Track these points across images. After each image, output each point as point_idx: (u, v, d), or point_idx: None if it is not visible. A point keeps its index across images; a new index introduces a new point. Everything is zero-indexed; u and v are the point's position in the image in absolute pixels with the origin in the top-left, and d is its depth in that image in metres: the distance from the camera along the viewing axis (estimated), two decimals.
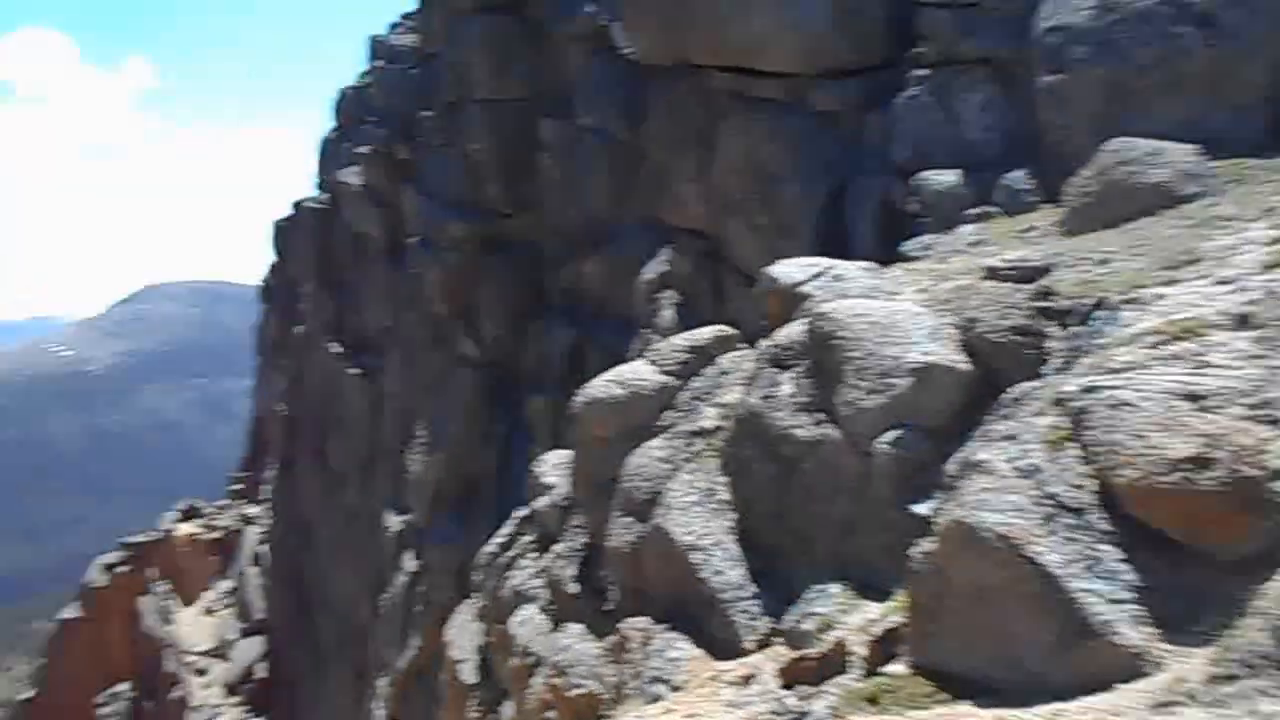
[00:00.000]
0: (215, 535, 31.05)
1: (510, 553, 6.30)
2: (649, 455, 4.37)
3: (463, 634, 7.46)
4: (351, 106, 20.11)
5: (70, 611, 30.62)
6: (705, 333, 5.04)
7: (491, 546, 6.57)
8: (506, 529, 6.55)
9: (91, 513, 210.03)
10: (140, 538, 30.71)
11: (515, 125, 13.37)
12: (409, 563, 14.13)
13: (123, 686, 27.17)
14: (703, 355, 4.87)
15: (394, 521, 15.08)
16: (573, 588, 5.08)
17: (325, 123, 22.39)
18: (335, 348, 18.98)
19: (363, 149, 17.45)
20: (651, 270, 10.23)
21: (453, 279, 13.92)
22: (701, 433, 4.30)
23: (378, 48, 18.79)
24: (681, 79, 9.83)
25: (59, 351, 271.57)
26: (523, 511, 6.47)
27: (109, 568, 30.26)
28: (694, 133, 9.81)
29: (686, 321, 8.67)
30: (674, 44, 9.60)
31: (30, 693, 31.86)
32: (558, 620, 5.14)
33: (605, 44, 11.55)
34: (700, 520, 3.84)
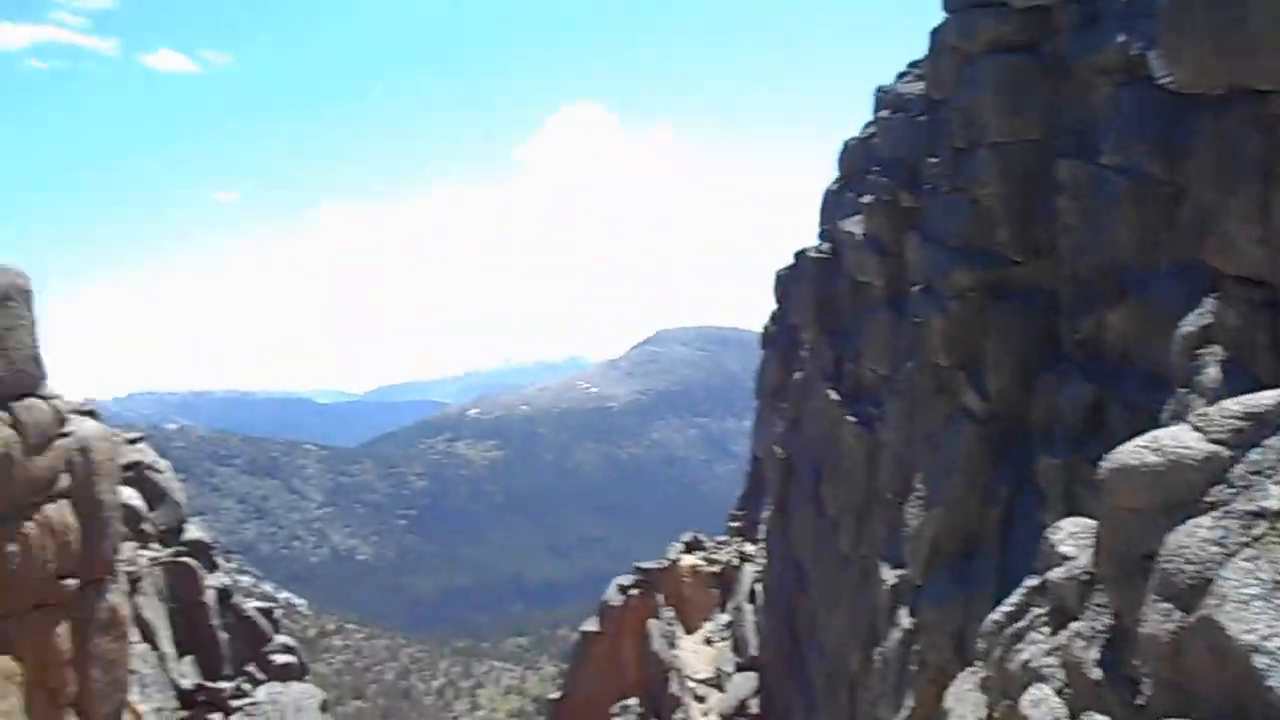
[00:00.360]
0: (715, 569, 33.47)
1: (1019, 624, 6.17)
2: (1195, 535, 4.10)
3: (963, 703, 7.44)
4: (855, 157, 20.97)
5: (590, 625, 34.90)
6: (1266, 398, 4.57)
7: (997, 615, 6.49)
8: (1015, 597, 6.44)
9: (610, 534, 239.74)
10: (650, 564, 34.29)
11: (1028, 167, 13.09)
12: (904, 618, 14.18)
13: (632, 701, 30.41)
14: (1263, 424, 4.44)
15: (889, 574, 15.27)
16: (1095, 673, 4.85)
17: (827, 175, 23.56)
18: (833, 394, 19.78)
19: (866, 198, 18.12)
20: (1191, 322, 9.29)
21: (957, 328, 13.87)
22: (1263, 514, 3.94)
23: (883, 98, 19.41)
24: (1234, 107, 8.90)
25: (587, 389, 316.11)
26: (1034, 581, 6.32)
27: (624, 589, 34.13)
28: (1249, 167, 8.78)
29: (1236, 382, 7.70)
30: (1226, 69, 8.78)
31: (557, 694, 36.83)
32: (1075, 706, 4.95)
33: (1137, 74, 10.85)
34: (1265, 618, 3.54)
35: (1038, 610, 6.05)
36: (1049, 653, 5.57)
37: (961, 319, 13.96)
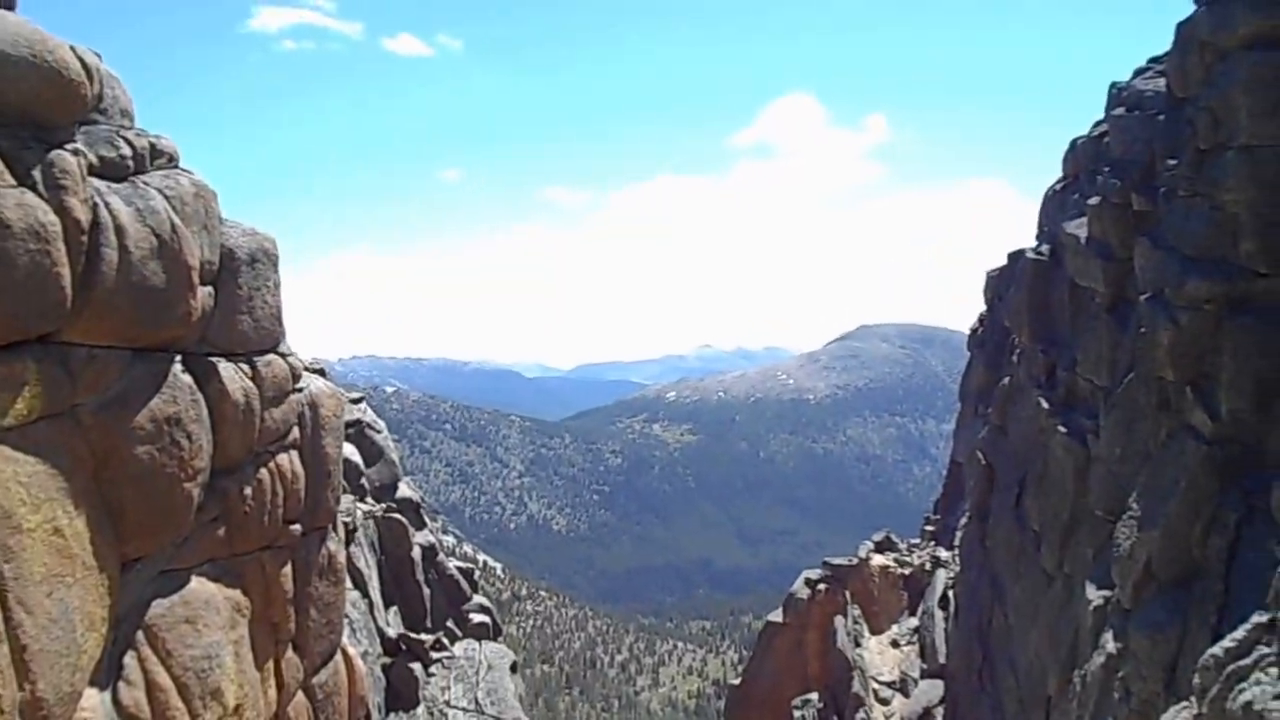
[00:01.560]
0: (906, 571, 32.58)
1: (1242, 662, 5.69)
2: None
3: None
4: (1084, 156, 19.69)
5: (775, 615, 34.82)
6: None
7: (1218, 650, 6.01)
8: (1240, 633, 5.94)
9: (799, 526, 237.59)
10: (840, 560, 33.74)
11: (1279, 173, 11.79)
12: (1109, 643, 13.32)
13: (813, 695, 30.12)
14: None
15: (1095, 595, 14.38)
16: None
17: (1049, 175, 22.23)
18: (1044, 403, 18.74)
19: (1094, 200, 16.98)
20: None
21: (1187, 341, 12.79)
22: None
23: (1119, 95, 18.08)
24: None
25: (784, 380, 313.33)
26: (1262, 618, 5.79)
27: (811, 583, 33.78)
28: None
29: None
30: None
31: (738, 680, 37.04)
32: None
33: None
34: None
35: (1265, 650, 5.56)
36: (1278, 697, 5.12)
37: (1193, 332, 12.85)
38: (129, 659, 10.03)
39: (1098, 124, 19.60)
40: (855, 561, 33.98)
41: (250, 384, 11.50)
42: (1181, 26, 14.85)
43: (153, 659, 10.25)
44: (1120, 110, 17.81)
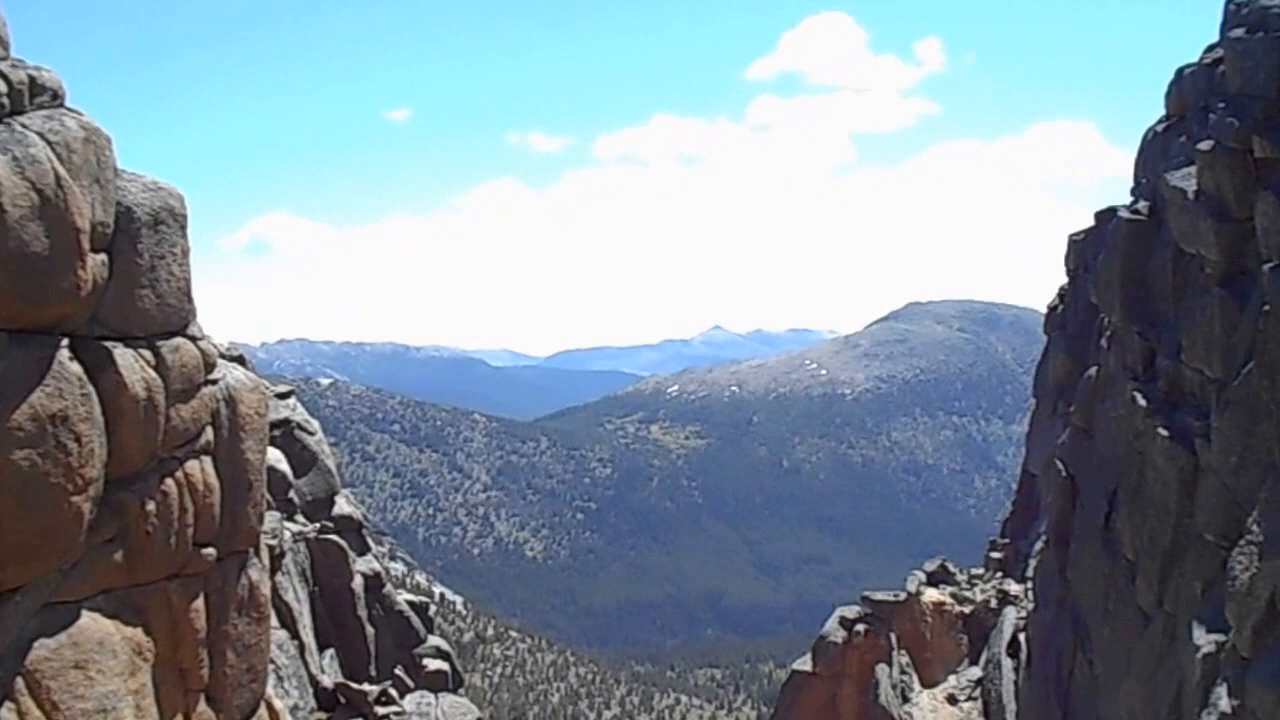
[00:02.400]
0: (966, 609, 32.66)
1: None
2: None
3: None
4: (1191, 90, 19.64)
5: (803, 663, 34.77)
6: None
7: None
8: None
9: (831, 553, 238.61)
10: (883, 595, 33.79)
11: None
12: (1222, 699, 13.37)
13: None
14: None
15: (1204, 639, 14.43)
16: None
17: (1147, 114, 22.19)
18: (1140, 399, 18.75)
19: (1205, 144, 16.92)
20: None
21: None
22: None
23: (1238, 12, 17.98)
24: None
25: (814, 370, 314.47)
26: None
27: (847, 623, 33.79)
28: None
29: None
30: None
31: None
32: None
33: None
34: None
35: None
36: None
37: None
38: (6, 712, 10.00)
39: (1210, 49, 19.52)
40: (902, 597, 33.96)
41: (153, 374, 11.44)
42: None
43: (35, 713, 10.23)
44: (1239, 31, 17.70)
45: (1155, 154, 21.09)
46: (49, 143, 10.13)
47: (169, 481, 11.83)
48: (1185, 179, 18.20)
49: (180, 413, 11.89)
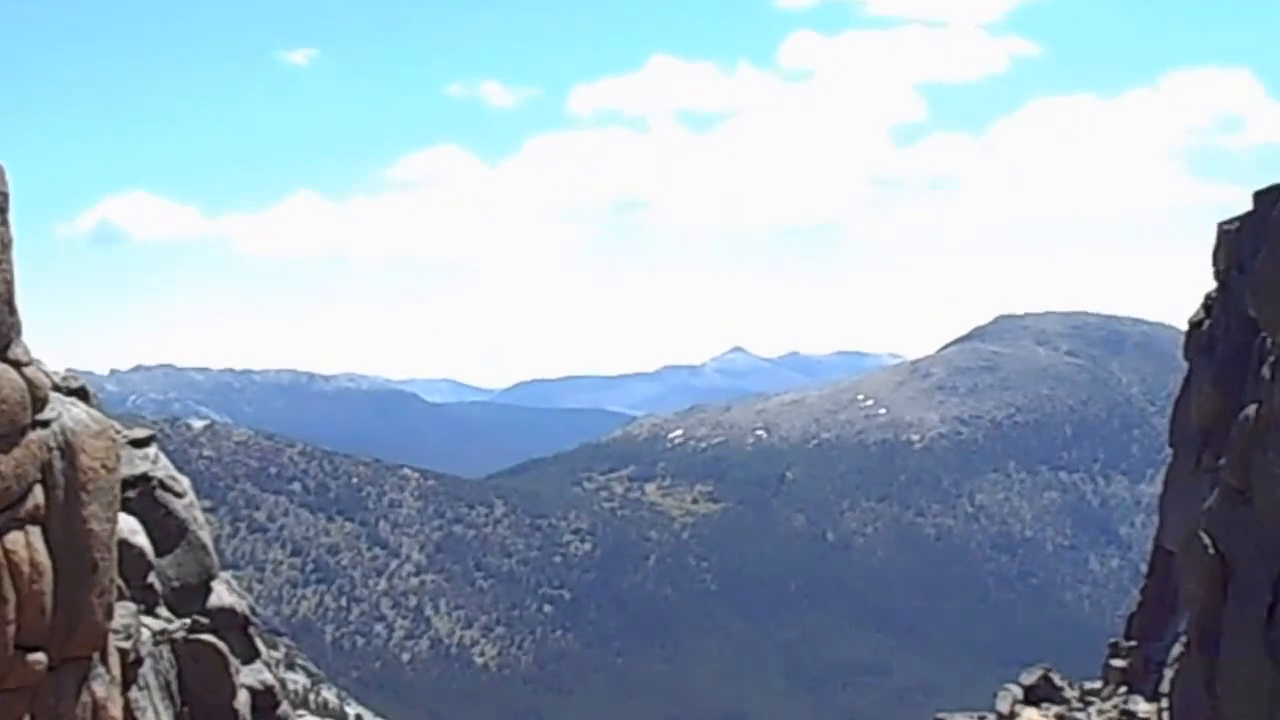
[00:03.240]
0: None
1: None
2: None
3: None
4: None
5: None
6: None
7: None
8: None
9: (893, 660, 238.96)
10: (966, 716, 33.75)
11: None
12: None
13: None
14: None
15: None
16: None
17: None
18: None
19: None
20: None
21: None
22: None
23: None
24: None
25: (869, 408, 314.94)
26: None
27: None
28: None
29: None
30: None
31: None
32: None
33: None
34: None
35: None
36: None
37: None
38: None
39: None
40: (991, 719, 33.98)
41: None
42: None
43: None
44: None
45: None
46: None
47: None
48: None
49: None
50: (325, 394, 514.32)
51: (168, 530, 24.32)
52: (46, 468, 12.66)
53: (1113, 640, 39.20)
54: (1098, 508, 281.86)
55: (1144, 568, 39.74)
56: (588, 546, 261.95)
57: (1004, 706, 34.76)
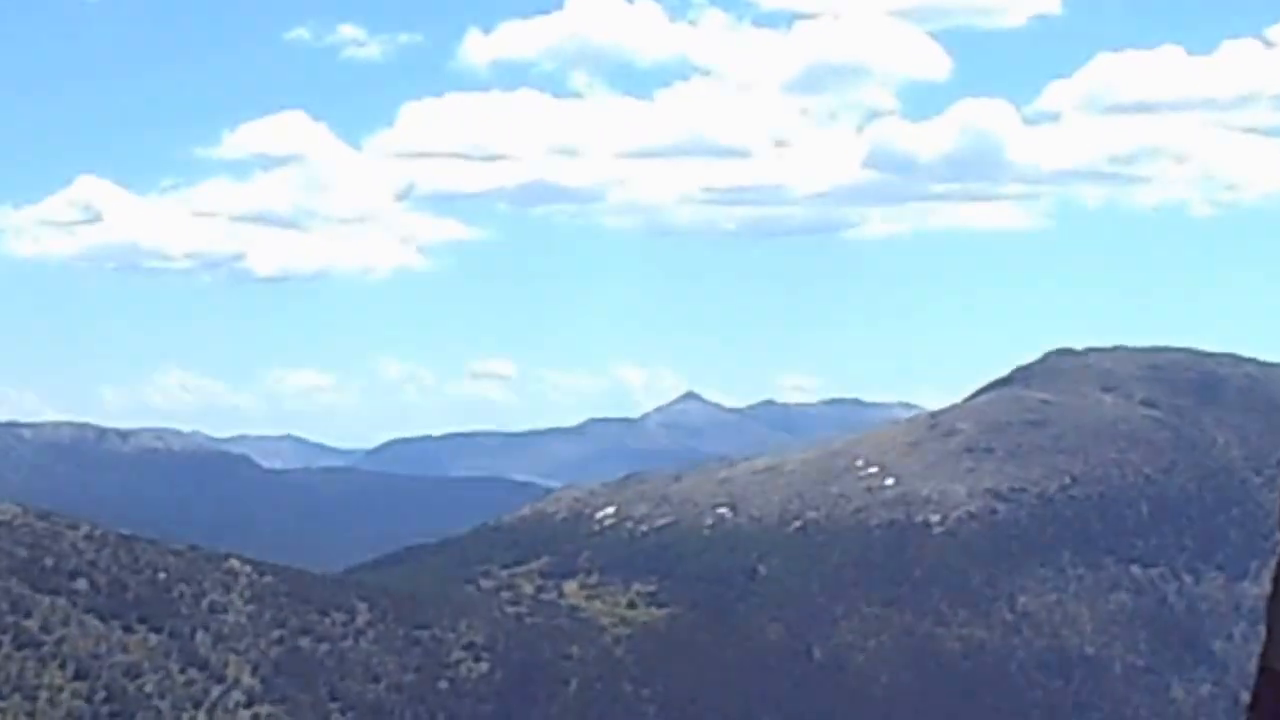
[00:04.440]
0: None
1: None
2: None
3: None
4: None
5: None
6: None
7: None
8: None
9: None
10: None
11: None
12: None
13: None
14: None
15: None
16: None
17: None
18: None
19: None
20: None
21: None
22: None
23: None
24: None
25: (871, 478, 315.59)
26: None
27: None
28: None
29: None
30: None
31: None
32: None
33: None
34: None
35: None
36: None
37: None
38: None
39: None
40: None
41: None
42: None
43: None
44: None
45: None
46: None
47: None
48: None
49: None
50: (121, 457, 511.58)
51: None
52: None
53: None
54: (1183, 614, 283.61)
55: (1246, 696, 41.09)
56: (484, 668, 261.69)
57: None
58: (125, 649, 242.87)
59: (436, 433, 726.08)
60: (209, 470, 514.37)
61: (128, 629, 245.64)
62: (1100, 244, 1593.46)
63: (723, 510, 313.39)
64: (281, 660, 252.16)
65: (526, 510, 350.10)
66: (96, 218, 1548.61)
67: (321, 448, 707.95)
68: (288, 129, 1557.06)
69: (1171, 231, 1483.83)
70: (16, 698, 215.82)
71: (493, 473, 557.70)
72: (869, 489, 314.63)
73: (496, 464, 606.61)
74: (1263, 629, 32.82)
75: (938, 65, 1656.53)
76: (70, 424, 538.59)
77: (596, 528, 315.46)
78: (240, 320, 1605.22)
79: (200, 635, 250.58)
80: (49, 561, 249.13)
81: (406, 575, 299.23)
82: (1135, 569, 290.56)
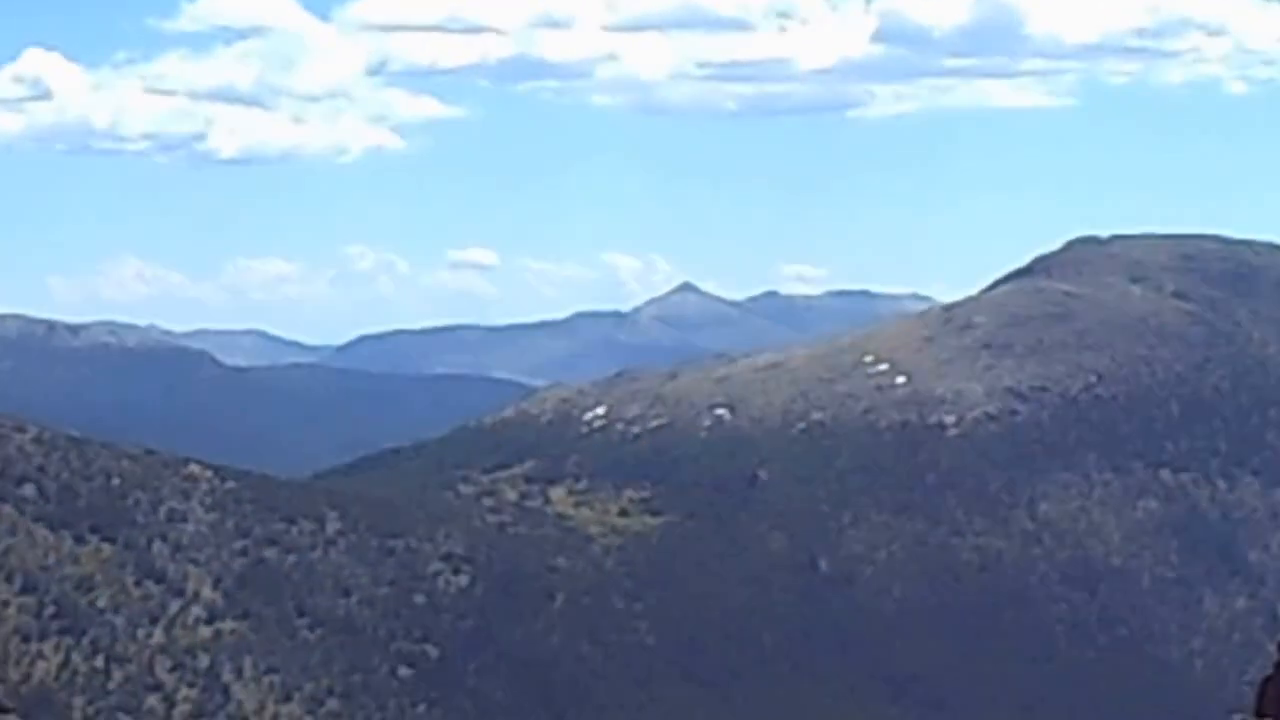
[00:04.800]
0: None
1: None
2: None
3: None
4: None
5: None
6: None
7: None
8: None
9: None
10: None
11: None
12: None
13: None
14: None
15: None
16: None
17: None
18: None
19: None
20: None
21: None
22: None
23: None
24: None
25: (880, 375, 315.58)
26: None
27: None
28: None
29: None
30: None
31: None
32: None
33: None
34: None
35: None
36: None
37: None
38: None
39: None
40: None
41: None
42: None
43: None
44: None
45: None
46: None
47: None
48: None
49: None
50: (72, 353, 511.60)
51: None
52: None
53: (1236, 715, 39.81)
54: (1217, 523, 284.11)
55: None
56: (464, 580, 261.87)
57: None
58: (76, 560, 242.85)
59: (412, 327, 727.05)
60: (166, 367, 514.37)
61: (79, 539, 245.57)
62: (1127, 124, 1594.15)
63: (721, 411, 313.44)
64: (245, 573, 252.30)
65: (509, 410, 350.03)
66: (45, 94, 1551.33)
67: (288, 343, 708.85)
68: None
69: (1203, 110, 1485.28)
70: None
71: (473, 370, 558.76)
72: (878, 388, 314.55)
73: (477, 360, 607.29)
74: None
75: None
76: (15, 317, 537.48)
77: (585, 429, 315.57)
78: (200, 205, 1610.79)
79: (157, 545, 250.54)
80: None
81: (380, 480, 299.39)
82: (1165, 474, 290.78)
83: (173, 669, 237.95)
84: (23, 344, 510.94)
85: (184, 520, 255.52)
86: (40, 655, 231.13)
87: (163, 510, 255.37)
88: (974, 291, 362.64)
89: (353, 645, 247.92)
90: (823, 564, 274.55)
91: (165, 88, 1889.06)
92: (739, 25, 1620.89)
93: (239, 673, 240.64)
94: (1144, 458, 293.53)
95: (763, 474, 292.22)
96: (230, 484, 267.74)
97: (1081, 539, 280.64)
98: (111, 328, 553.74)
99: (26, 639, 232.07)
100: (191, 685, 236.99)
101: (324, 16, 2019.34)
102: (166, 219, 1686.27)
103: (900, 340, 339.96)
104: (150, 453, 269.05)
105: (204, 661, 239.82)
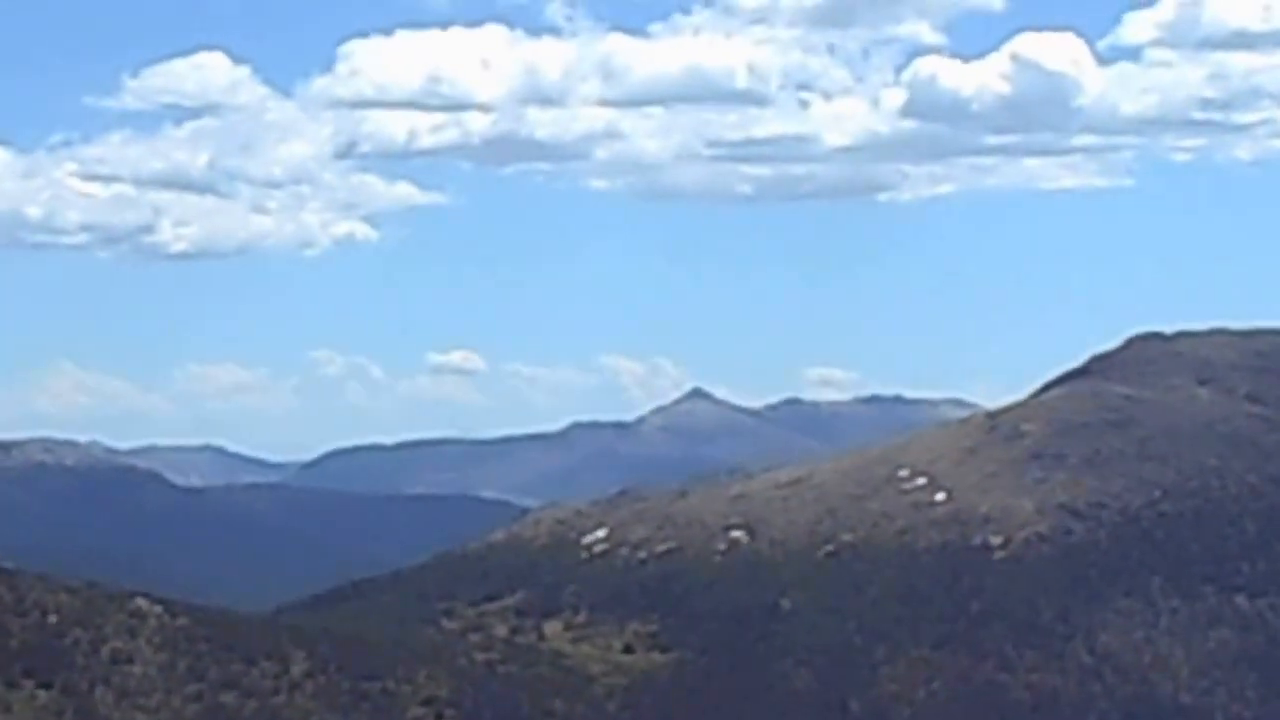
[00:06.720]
0: None
1: None
2: None
3: None
4: None
5: None
6: None
7: None
8: None
9: None
10: None
11: None
12: None
13: None
14: None
15: None
16: None
17: None
18: None
19: None
20: None
21: None
22: None
23: None
24: None
25: (917, 490, 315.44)
26: None
27: None
28: None
29: None
30: None
31: None
32: None
33: None
34: None
35: None
36: None
37: None
38: None
39: None
40: None
41: None
42: None
43: None
44: None
45: None
46: None
47: None
48: None
49: None
50: (2, 473, 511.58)
51: None
52: None
53: None
54: None
55: None
56: None
57: None
58: (9, 708, 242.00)
59: (387, 440, 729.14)
60: (110, 488, 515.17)
61: (11, 684, 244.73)
62: (1191, 205, 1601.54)
63: (737, 533, 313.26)
64: (199, 718, 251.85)
65: (498, 534, 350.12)
66: None
67: (247, 460, 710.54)
68: (204, 73, 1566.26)
69: (1277, 189, 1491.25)
70: None
71: (456, 489, 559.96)
72: (915, 505, 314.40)
73: (461, 478, 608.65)
74: None
75: None
76: None
77: (584, 555, 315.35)
78: (147, 306, 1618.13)
79: (100, 691, 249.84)
80: None
81: (351, 615, 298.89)
82: (1240, 599, 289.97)
83: None
84: None
85: (130, 662, 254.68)
86: None
87: (106, 651, 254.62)
88: (1022, 396, 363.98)
89: None
90: (854, 705, 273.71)
91: (106, 174, 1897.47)
92: (754, 99, 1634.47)
93: None
94: (1216, 581, 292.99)
95: (785, 604, 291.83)
96: (182, 620, 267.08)
97: (1146, 674, 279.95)
98: (47, 444, 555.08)
99: None
100: None
101: (286, 92, 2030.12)
102: (109, 321, 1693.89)
103: (939, 451, 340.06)
104: (92, 585, 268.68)
105: None
